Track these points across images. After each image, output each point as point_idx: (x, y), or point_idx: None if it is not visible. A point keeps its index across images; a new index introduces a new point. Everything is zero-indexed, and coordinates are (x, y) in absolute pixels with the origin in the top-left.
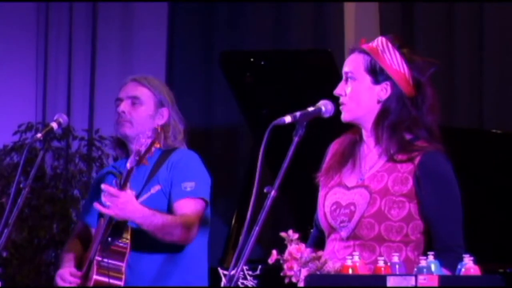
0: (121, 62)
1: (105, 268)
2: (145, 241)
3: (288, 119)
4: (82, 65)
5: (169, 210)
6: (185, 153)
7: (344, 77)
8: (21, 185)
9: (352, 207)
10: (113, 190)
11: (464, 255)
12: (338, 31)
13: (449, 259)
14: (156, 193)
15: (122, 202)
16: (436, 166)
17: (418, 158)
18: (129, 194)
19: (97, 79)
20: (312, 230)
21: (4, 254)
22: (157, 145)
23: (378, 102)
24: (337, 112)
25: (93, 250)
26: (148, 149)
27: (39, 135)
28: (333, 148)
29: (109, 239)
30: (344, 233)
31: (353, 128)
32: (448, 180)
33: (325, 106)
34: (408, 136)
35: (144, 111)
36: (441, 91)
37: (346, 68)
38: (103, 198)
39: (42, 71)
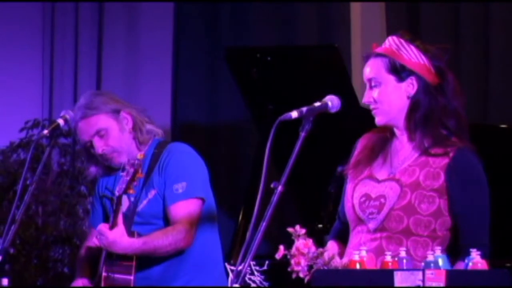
0: (127, 61)
1: (113, 285)
2: None
3: (294, 114)
4: (88, 63)
5: (165, 213)
6: (175, 150)
7: (368, 85)
8: (28, 182)
9: (382, 199)
10: (103, 229)
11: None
12: (344, 31)
13: None
14: (153, 197)
15: (109, 242)
16: (469, 164)
17: (452, 154)
18: (117, 232)
19: (103, 77)
20: (335, 223)
21: (11, 251)
22: (140, 175)
23: (408, 98)
24: (343, 108)
25: (101, 265)
26: (132, 179)
27: (45, 131)
28: (362, 142)
29: (114, 255)
30: (372, 225)
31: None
32: (480, 179)
33: (331, 101)
34: (443, 132)
35: (115, 134)
36: None
37: (368, 75)
38: (94, 238)
39: (48, 68)
